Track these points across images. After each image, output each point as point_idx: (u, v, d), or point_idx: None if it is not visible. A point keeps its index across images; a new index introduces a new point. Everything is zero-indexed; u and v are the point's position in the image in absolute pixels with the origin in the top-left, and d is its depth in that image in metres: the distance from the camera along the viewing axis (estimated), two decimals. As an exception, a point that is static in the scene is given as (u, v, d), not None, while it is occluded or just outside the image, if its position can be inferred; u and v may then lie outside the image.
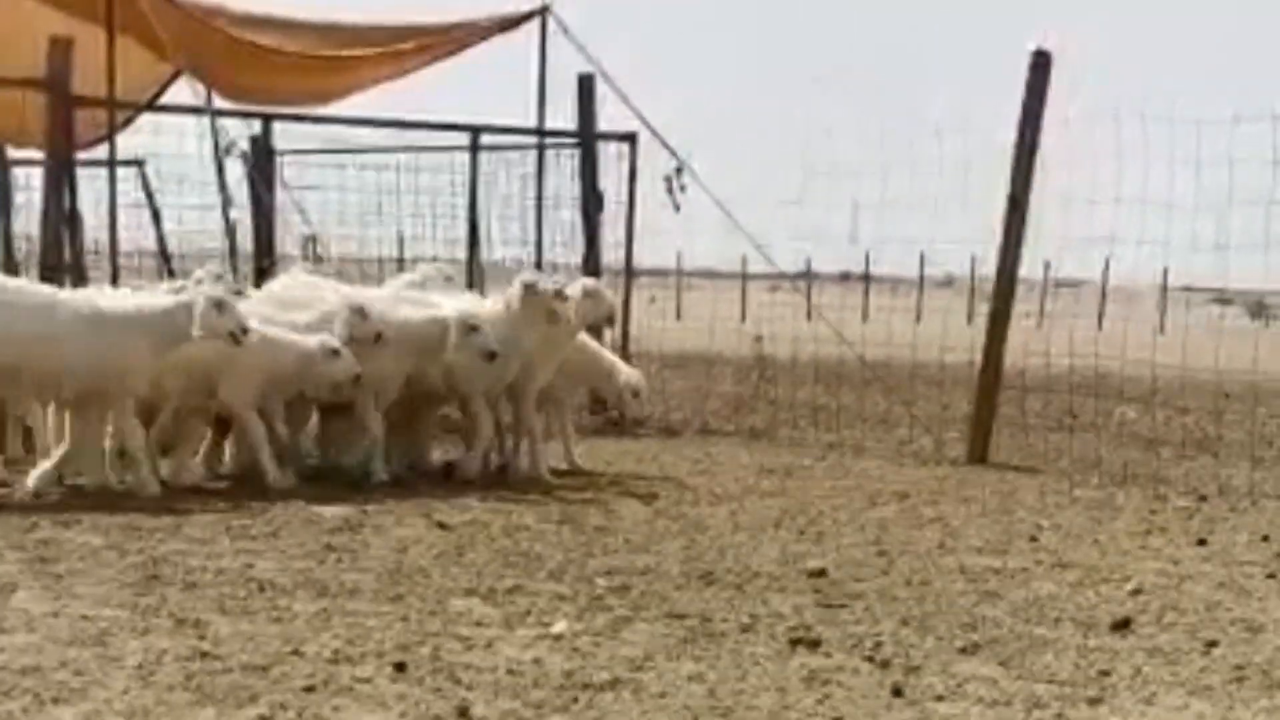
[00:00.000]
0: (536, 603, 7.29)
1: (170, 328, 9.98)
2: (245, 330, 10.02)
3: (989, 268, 14.25)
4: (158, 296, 10.49)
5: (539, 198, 16.37)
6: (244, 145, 14.71)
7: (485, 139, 16.03)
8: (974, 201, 14.61)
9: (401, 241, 17.99)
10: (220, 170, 14.21)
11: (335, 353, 10.43)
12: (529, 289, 11.03)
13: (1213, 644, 6.90)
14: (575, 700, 5.81)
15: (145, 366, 10.03)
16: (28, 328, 9.76)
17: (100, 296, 10.40)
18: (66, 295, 10.43)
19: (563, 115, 16.14)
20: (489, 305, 11.40)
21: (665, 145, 15.73)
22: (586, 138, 15.98)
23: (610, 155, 16.01)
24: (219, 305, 9.99)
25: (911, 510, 10.42)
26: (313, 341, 10.48)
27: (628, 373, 11.91)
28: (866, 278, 34.60)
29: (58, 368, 9.84)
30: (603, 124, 16.00)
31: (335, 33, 16.27)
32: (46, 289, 10.68)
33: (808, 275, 24.19)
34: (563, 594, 7.51)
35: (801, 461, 12.36)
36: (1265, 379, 16.55)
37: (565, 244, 16.29)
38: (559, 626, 6.80)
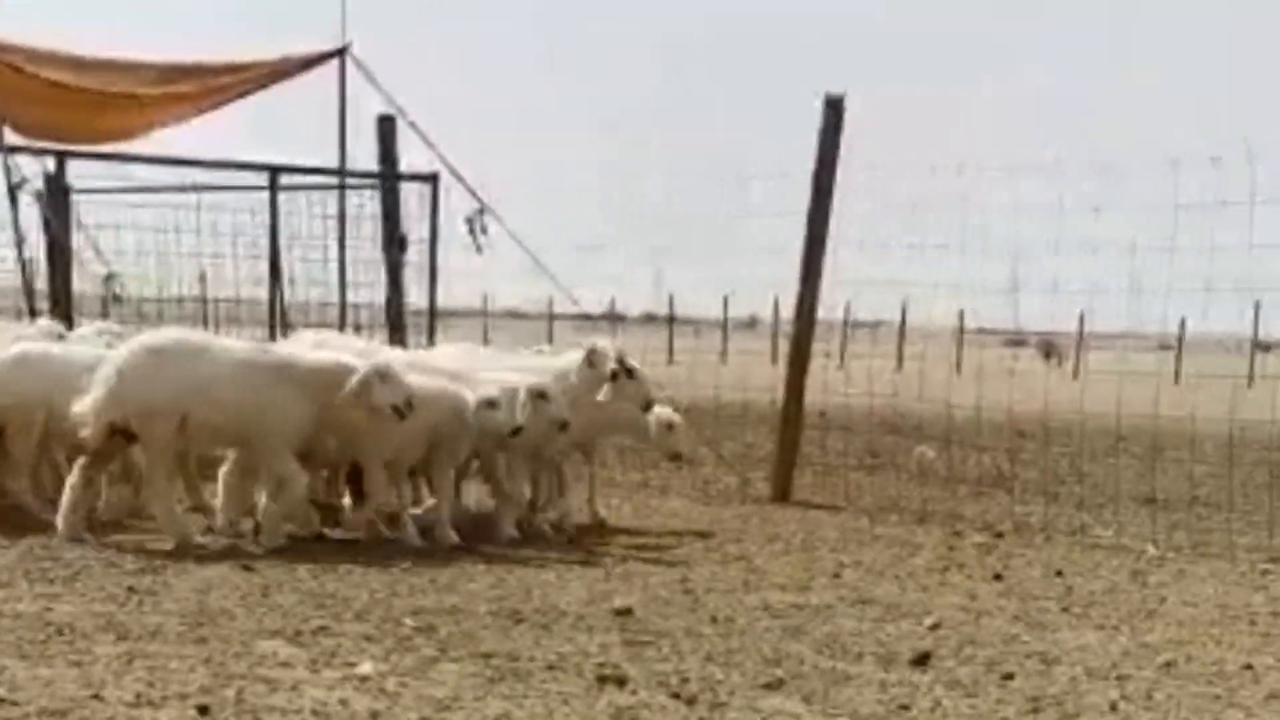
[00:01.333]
0: (343, 644, 7.23)
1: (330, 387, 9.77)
2: (411, 405, 9.72)
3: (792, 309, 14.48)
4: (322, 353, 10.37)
5: (341, 238, 16.30)
6: (37, 183, 14.44)
7: (288, 179, 15.92)
8: (778, 244, 14.83)
9: (204, 280, 17.76)
10: (14, 207, 13.96)
11: (493, 405, 10.19)
12: (593, 355, 10.91)
13: (1009, 676, 7.07)
14: (382, 741, 5.78)
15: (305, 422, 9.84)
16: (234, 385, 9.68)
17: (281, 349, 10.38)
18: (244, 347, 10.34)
19: (367, 155, 16.12)
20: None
21: (466, 187, 15.78)
22: (387, 178, 15.94)
23: (413, 196, 16.01)
24: (383, 376, 9.71)
25: (717, 548, 10.52)
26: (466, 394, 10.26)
27: (658, 410, 11.51)
28: (670, 319, 34.80)
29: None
30: (406, 165, 15.99)
31: (135, 70, 16.08)
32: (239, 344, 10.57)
33: (612, 317, 24.31)
34: (369, 634, 7.46)
35: (609, 501, 12.39)
36: (1056, 418, 16.97)
37: (368, 284, 16.24)
38: (365, 667, 6.76)
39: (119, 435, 9.72)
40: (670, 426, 11.54)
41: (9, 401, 10.46)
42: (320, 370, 9.88)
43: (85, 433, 9.71)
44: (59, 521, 9.77)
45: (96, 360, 10.02)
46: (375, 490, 10.12)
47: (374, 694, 6.38)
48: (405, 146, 15.95)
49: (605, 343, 11.21)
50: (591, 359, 10.95)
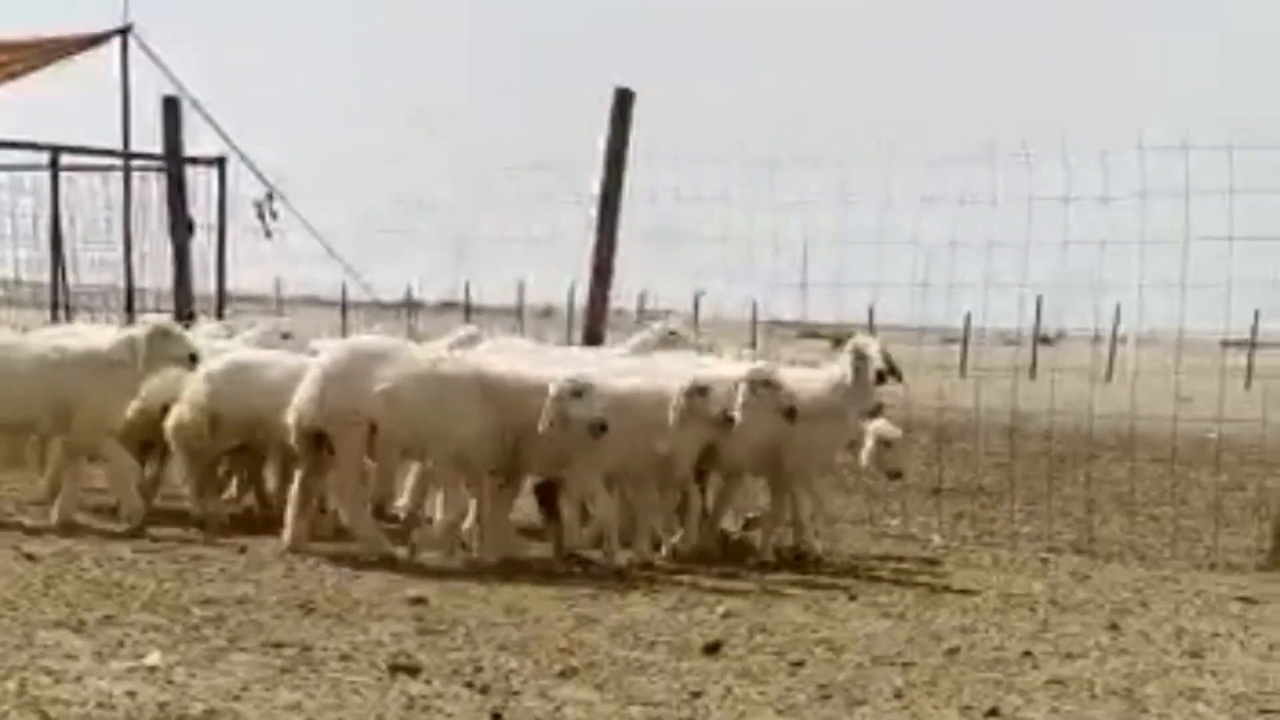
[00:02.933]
0: (130, 634, 7.11)
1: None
2: (605, 426, 9.07)
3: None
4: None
5: (126, 221, 15.99)
6: None
7: (70, 159, 15.58)
8: (572, 233, 14.88)
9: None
10: None
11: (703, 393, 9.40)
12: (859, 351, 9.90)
13: (799, 664, 7.17)
14: (170, 733, 5.70)
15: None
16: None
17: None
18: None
19: (153, 137, 15.84)
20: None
21: (254, 171, 15.58)
22: (173, 161, 15.66)
23: (200, 179, 15.75)
24: (578, 391, 9.11)
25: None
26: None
27: (877, 423, 10.56)
28: (467, 308, 34.62)
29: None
30: (194, 148, 15.73)
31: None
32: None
33: (409, 304, 24.14)
34: (157, 625, 7.34)
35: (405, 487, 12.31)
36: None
37: (154, 268, 15.96)
38: (153, 658, 6.65)
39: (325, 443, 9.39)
40: (889, 443, 10.59)
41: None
42: (515, 384, 9.34)
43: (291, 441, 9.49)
44: (284, 533, 9.47)
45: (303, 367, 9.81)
46: (603, 510, 9.47)
47: (161, 685, 6.28)
48: (202, 130, 15.70)
49: (869, 339, 10.17)
50: (858, 357, 9.89)
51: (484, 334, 11.71)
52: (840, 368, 9.97)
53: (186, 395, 10.22)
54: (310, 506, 9.60)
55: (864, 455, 10.55)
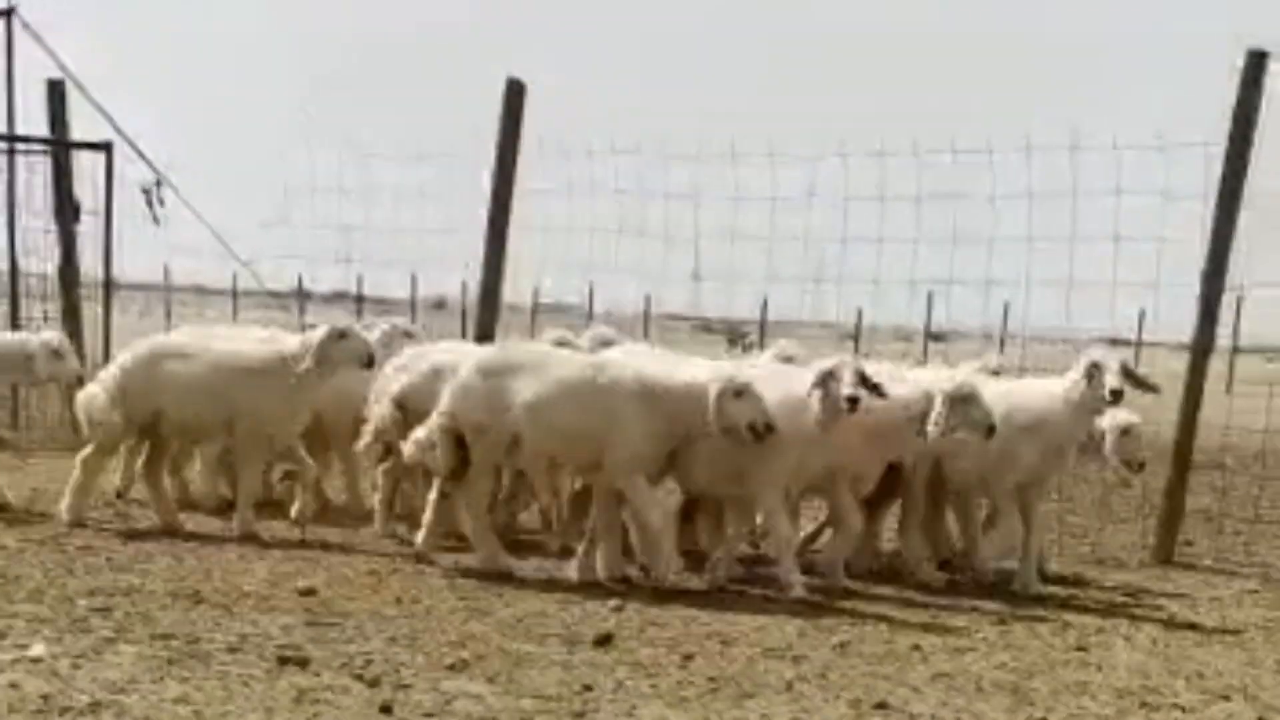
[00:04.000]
0: (14, 625, 7.02)
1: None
2: (770, 427, 8.58)
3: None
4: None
5: (10, 205, 15.74)
6: None
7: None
8: (464, 225, 14.84)
9: None
10: None
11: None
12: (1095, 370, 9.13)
13: (690, 657, 7.19)
14: (54, 725, 5.63)
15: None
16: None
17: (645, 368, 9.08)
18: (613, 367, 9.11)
19: (39, 121, 15.61)
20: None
21: (142, 156, 15.39)
22: (58, 145, 15.44)
23: (87, 164, 15.53)
24: (739, 391, 8.61)
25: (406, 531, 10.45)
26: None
27: (1114, 412, 9.74)
28: (359, 298, 34.44)
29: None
30: (80, 133, 15.51)
31: None
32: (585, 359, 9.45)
33: (299, 294, 23.98)
34: (42, 616, 7.25)
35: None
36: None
37: (40, 254, 15.72)
38: (37, 649, 6.57)
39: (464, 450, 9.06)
40: (1128, 431, 9.96)
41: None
42: (674, 390, 8.79)
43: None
44: (418, 538, 9.27)
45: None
46: (776, 524, 8.96)
47: (46, 676, 6.20)
48: (89, 114, 15.49)
49: (1106, 350, 9.36)
50: (1092, 373, 9.15)
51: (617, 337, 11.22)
52: (1070, 382, 9.24)
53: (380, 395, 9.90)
54: (447, 513, 9.31)
55: (1106, 446, 9.92)
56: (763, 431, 8.57)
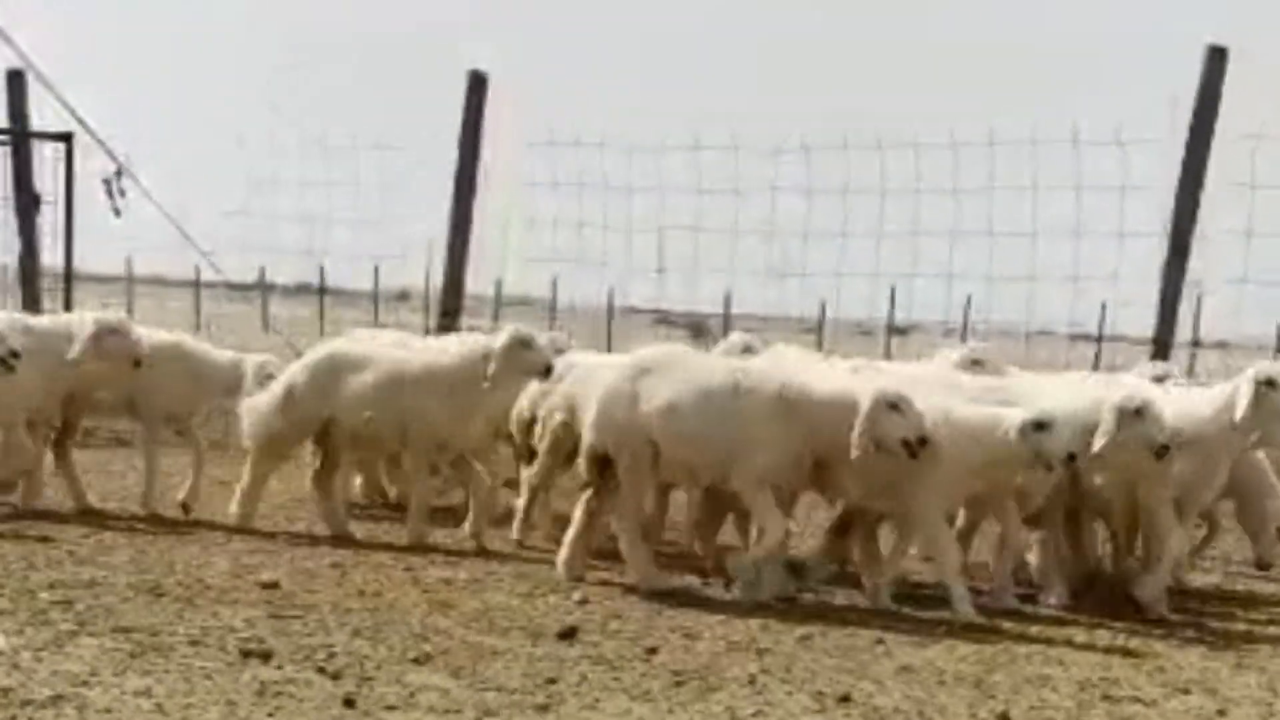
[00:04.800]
0: (-27, 618, 6.98)
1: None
2: (924, 440, 8.13)
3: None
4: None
5: (-29, 195, 15.67)
6: None
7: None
8: (426, 217, 14.87)
9: None
10: None
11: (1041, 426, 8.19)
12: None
13: (653, 651, 7.20)
14: (14, 718, 5.59)
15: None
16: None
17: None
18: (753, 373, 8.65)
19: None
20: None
21: (103, 147, 15.33)
22: (18, 135, 15.38)
23: (47, 154, 15.47)
24: (893, 403, 8.14)
25: (373, 523, 10.44)
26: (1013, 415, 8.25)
27: None
28: (322, 290, 34.29)
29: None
30: (41, 123, 15.46)
31: None
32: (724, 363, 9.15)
33: (262, 286, 23.91)
34: (2, 609, 7.21)
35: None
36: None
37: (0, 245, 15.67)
38: (-2, 642, 6.54)
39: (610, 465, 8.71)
40: None
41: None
42: (819, 399, 8.40)
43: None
44: (559, 562, 8.82)
45: None
46: (938, 544, 8.51)
47: (7, 669, 6.17)
48: (49, 104, 15.42)
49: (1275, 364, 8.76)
50: (1263, 385, 8.46)
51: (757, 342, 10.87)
52: (1233, 395, 8.55)
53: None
54: (593, 530, 8.91)
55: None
56: (918, 448, 8.12)
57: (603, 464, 8.69)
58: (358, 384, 9.71)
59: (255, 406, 9.94)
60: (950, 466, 8.28)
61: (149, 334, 10.49)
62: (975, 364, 9.90)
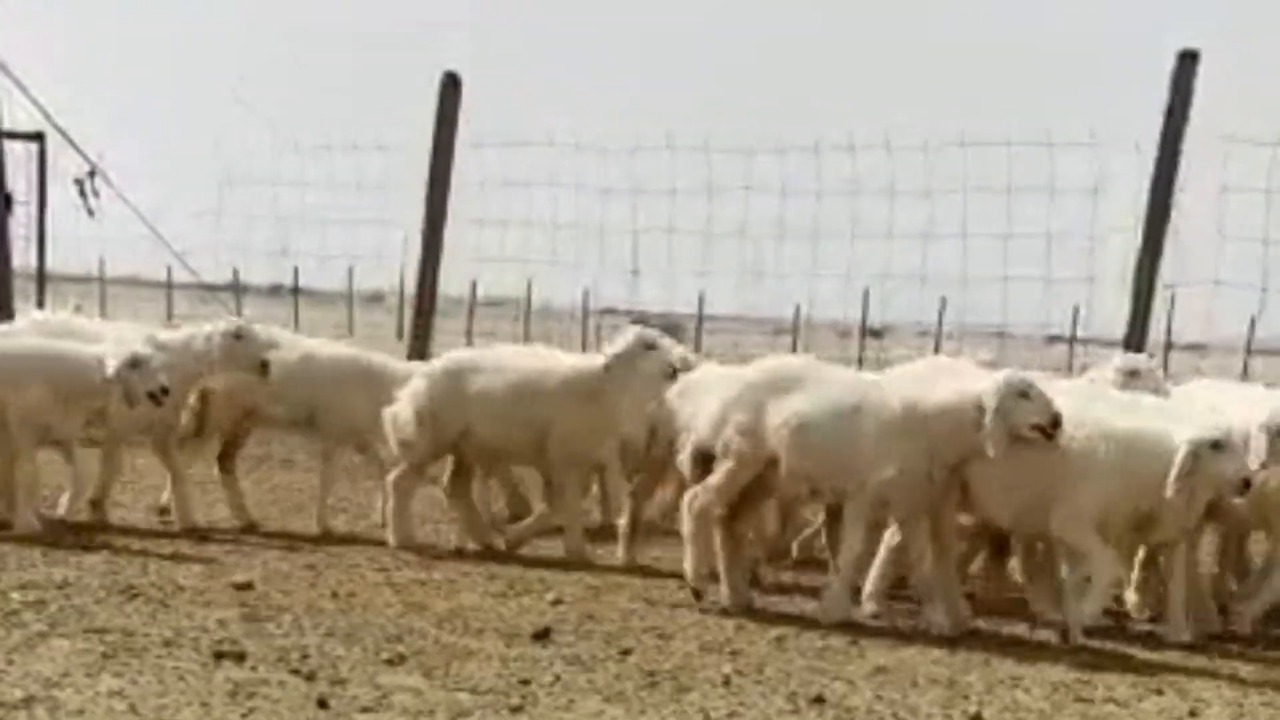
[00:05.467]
0: (-55, 619, 6.96)
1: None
2: (1057, 422, 7.74)
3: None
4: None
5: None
6: None
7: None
8: (400, 219, 14.87)
9: None
10: None
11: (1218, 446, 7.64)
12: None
13: (627, 652, 7.20)
14: (-13, 720, 5.59)
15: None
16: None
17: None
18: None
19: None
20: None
21: (75, 147, 15.32)
22: (-11, 135, 15.35)
23: (19, 154, 15.45)
24: (1024, 392, 7.78)
25: (341, 523, 10.42)
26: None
27: None
28: (295, 291, 34.23)
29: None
30: (12, 123, 15.41)
31: None
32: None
33: (236, 287, 23.85)
34: (-27, 610, 7.20)
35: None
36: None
37: None
38: (-30, 644, 6.52)
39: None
40: None
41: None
42: (937, 407, 8.01)
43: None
44: (729, 592, 8.37)
45: None
46: (1100, 567, 7.88)
47: (-22, 671, 6.16)
48: (20, 103, 15.39)
49: None
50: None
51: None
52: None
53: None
54: (742, 551, 8.57)
55: None
56: (1051, 430, 7.75)
57: (706, 463, 8.40)
58: (495, 393, 9.47)
59: (398, 419, 9.63)
60: (1106, 484, 7.83)
61: (321, 346, 10.44)
62: (1132, 375, 9.37)
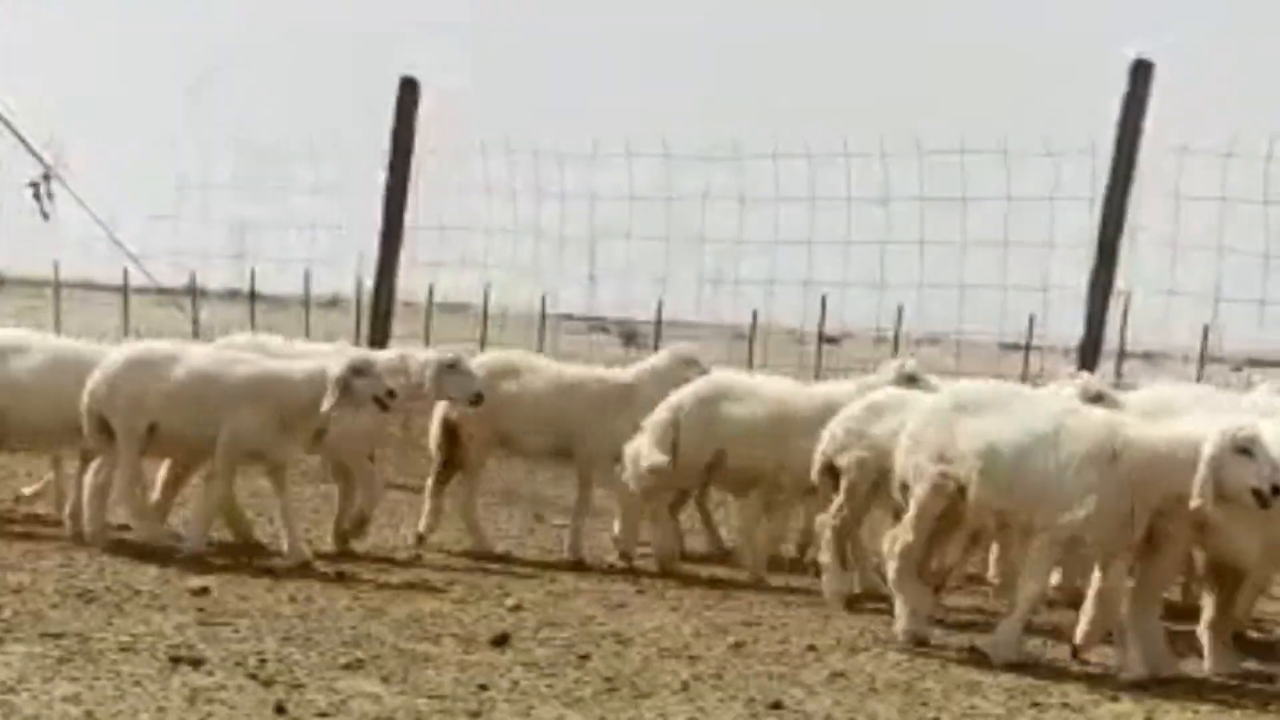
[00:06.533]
0: (-101, 625, 6.91)
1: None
2: (1277, 490, 7.03)
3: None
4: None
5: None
6: None
7: None
8: (358, 222, 14.85)
9: None
10: None
11: None
12: None
13: (586, 657, 7.20)
14: (-58, 725, 5.55)
15: None
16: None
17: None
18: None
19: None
20: None
21: (29, 149, 15.24)
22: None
23: None
24: (1245, 449, 7.04)
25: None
26: None
27: None
28: (252, 295, 34.06)
29: None
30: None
31: None
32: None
33: (193, 291, 23.73)
34: (-72, 615, 7.15)
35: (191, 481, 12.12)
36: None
37: None
38: (-76, 649, 6.47)
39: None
40: None
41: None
42: (1145, 446, 7.40)
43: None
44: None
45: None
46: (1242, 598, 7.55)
47: (-67, 676, 6.12)
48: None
49: None
50: None
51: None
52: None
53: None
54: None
55: None
56: (1270, 498, 7.00)
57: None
58: (744, 418, 9.30)
59: (641, 446, 9.40)
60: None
61: (547, 364, 10.29)
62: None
